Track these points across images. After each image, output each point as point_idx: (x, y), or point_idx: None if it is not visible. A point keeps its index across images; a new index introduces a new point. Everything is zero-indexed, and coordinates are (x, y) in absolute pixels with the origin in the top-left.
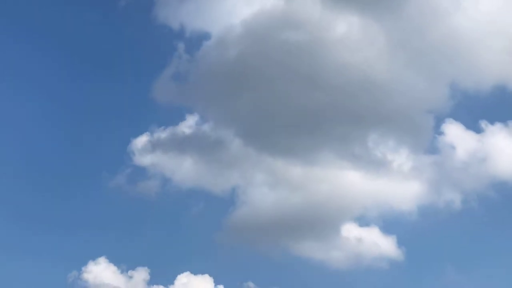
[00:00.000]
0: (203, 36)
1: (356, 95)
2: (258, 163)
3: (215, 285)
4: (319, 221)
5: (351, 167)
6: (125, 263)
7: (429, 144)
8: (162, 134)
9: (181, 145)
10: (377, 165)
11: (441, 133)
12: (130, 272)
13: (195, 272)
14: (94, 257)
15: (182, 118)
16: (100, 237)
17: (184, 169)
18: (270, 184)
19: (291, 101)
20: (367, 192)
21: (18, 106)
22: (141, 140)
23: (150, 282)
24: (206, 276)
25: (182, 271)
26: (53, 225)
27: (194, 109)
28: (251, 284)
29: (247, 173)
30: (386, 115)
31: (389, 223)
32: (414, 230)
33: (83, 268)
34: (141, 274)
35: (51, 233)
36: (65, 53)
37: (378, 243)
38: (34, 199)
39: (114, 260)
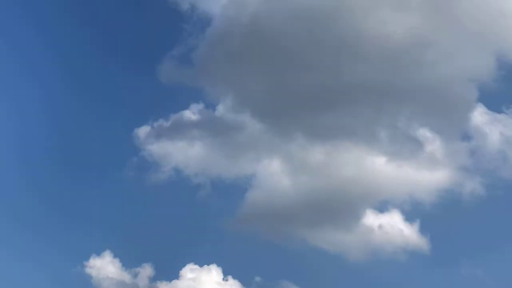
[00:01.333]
0: (213, 16)
1: (386, 67)
2: (275, 146)
3: (224, 276)
4: (340, 209)
5: (376, 150)
6: (130, 256)
7: (464, 126)
8: (170, 119)
9: (189, 130)
10: (405, 149)
11: (477, 116)
12: (135, 269)
13: (203, 263)
14: (98, 251)
15: (191, 102)
16: (106, 231)
17: (194, 156)
18: (286, 169)
19: (311, 76)
20: (392, 178)
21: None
22: (148, 128)
23: (157, 270)
24: (215, 266)
25: (190, 262)
26: (56, 220)
27: (204, 91)
28: (258, 278)
29: (262, 157)
30: (420, 90)
31: (413, 211)
32: (439, 220)
33: (85, 263)
34: (146, 270)
35: (56, 227)
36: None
37: (401, 233)
38: (40, 193)
39: (119, 254)
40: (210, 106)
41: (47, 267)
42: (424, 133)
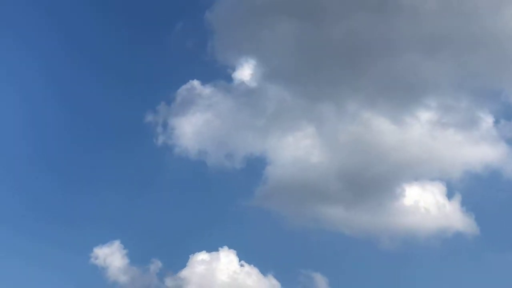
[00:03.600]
0: None
1: (433, 18)
2: (301, 115)
3: (240, 262)
4: (375, 184)
5: (421, 116)
6: (141, 245)
7: None
8: (180, 94)
9: (204, 103)
10: (456, 116)
11: None
12: (146, 259)
13: (217, 248)
14: (106, 241)
15: (204, 72)
16: (116, 220)
17: (210, 131)
18: (316, 140)
19: (345, 30)
20: (437, 149)
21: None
22: (157, 107)
23: (169, 257)
24: (231, 252)
25: (205, 247)
26: (65, 211)
27: (220, 58)
28: (277, 265)
29: (286, 128)
30: (477, 43)
31: (455, 188)
32: (484, 200)
33: (90, 254)
34: (157, 262)
35: (65, 218)
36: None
37: (443, 211)
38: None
39: (128, 244)
40: (228, 74)
41: (58, 258)
42: (480, 99)
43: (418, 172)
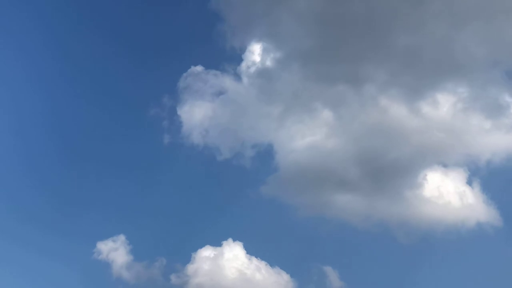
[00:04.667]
0: None
1: None
2: (317, 97)
3: (246, 253)
4: (394, 172)
5: (441, 99)
6: (145, 239)
7: None
8: (185, 79)
9: (211, 89)
10: (483, 101)
11: None
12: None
13: (224, 241)
14: (111, 235)
15: (210, 54)
16: (121, 215)
17: (218, 118)
18: (328, 125)
19: (365, 4)
20: (459, 135)
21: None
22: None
23: (174, 253)
24: (237, 243)
25: (210, 242)
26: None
27: (227, 37)
28: (287, 260)
29: (302, 112)
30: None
31: (478, 176)
32: (508, 190)
33: (93, 250)
34: (162, 259)
35: (70, 213)
36: None
37: (464, 200)
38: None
39: (133, 238)
40: (236, 54)
41: (64, 254)
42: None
43: (439, 159)
